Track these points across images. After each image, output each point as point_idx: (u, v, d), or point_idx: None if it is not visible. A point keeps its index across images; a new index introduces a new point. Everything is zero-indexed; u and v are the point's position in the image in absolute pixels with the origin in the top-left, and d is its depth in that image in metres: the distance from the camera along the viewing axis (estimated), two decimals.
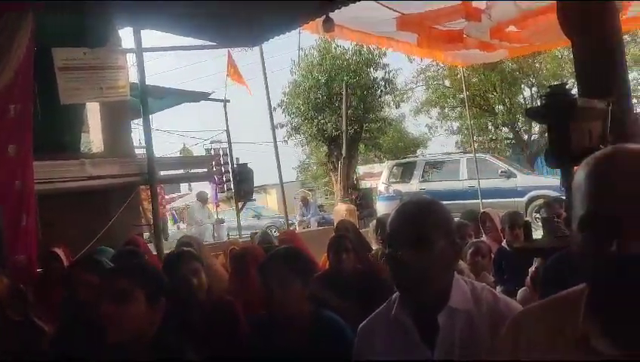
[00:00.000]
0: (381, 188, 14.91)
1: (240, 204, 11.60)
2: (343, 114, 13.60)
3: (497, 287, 3.93)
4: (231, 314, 2.70)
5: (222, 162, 11.82)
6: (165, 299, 1.83)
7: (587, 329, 0.98)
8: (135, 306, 1.73)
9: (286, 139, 18.25)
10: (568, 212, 1.08)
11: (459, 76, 13.18)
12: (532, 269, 3.19)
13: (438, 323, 1.46)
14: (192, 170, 7.99)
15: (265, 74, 7.85)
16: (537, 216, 9.92)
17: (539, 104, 2.08)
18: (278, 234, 7.34)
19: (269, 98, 7.71)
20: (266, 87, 7.74)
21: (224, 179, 12.05)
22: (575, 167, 1.64)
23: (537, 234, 3.83)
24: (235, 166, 11.38)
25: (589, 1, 2.36)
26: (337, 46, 15.97)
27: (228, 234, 12.72)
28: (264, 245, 4.22)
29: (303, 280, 2.15)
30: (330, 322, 2.13)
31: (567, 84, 2.22)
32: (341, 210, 10.30)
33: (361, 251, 3.72)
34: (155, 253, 5.19)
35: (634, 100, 17.57)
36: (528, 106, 18.13)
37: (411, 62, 19.33)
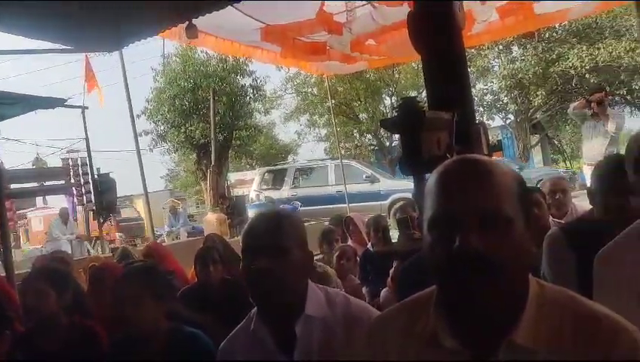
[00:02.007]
0: (252, 195, 14.89)
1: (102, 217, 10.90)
2: (211, 121, 13.38)
3: (363, 288, 4.09)
4: (90, 339, 2.52)
5: (81, 173, 11.04)
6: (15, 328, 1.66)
7: (436, 327, 1.04)
8: None
9: (151, 147, 17.57)
10: (420, 216, 1.17)
11: (325, 85, 13.61)
12: (392, 270, 3.37)
13: (296, 333, 1.47)
14: (48, 183, 7.36)
15: (126, 80, 7.49)
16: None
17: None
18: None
19: (130, 105, 7.36)
20: (127, 93, 7.38)
21: (83, 190, 11.26)
22: (427, 174, 1.76)
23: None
24: (95, 176, 10.68)
25: (435, 18, 2.53)
26: (201, 51, 15.71)
27: (88, 250, 11.95)
28: (124, 261, 4.01)
29: (159, 297, 2.07)
30: (190, 339, 2.06)
31: (417, 97, 2.38)
32: (211, 220, 10.10)
33: (230, 262, 3.67)
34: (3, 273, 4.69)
35: (481, 110, 19.35)
36: (388, 115, 19.19)
37: (279, 70, 19.61)
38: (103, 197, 10.42)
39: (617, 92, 19.32)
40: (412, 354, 1.07)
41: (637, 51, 14.55)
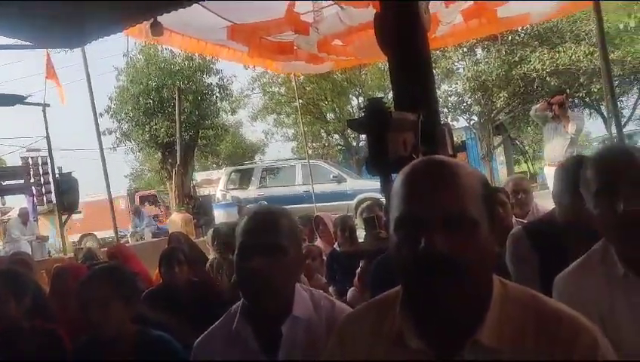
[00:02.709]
0: (219, 195, 14.76)
1: (64, 218, 10.63)
2: (177, 120, 13.19)
3: (330, 288, 4.10)
4: (53, 344, 2.45)
5: (41, 172, 10.75)
6: None
7: (402, 327, 1.05)
8: None
9: (115, 146, 17.23)
10: (387, 216, 1.17)
11: (293, 84, 13.60)
12: (358, 270, 3.40)
13: (282, 333, 1.46)
14: (6, 182, 7.13)
15: (89, 77, 7.30)
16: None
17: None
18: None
19: (93, 103, 7.18)
20: (90, 91, 7.20)
21: (44, 190, 10.97)
22: (393, 174, 1.78)
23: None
24: (56, 176, 10.40)
25: (401, 19, 2.55)
26: (165, 49, 15.47)
27: (49, 251, 11.64)
28: (88, 262, 3.93)
29: (125, 300, 2.03)
30: (157, 341, 2.03)
31: (383, 98, 2.40)
32: (177, 220, 9.96)
33: (196, 263, 3.64)
34: None
35: (446, 111, 19.62)
36: (355, 115, 19.30)
37: (246, 69, 19.47)
38: (65, 198, 10.17)
39: (576, 94, 19.85)
40: (379, 353, 1.08)
41: (595, 55, 14.96)
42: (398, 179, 1.07)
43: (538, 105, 6.95)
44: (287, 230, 1.48)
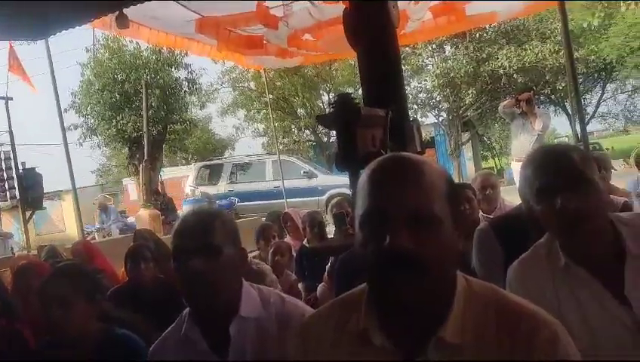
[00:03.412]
0: (188, 191, 14.59)
1: (28, 214, 10.36)
2: (144, 114, 12.92)
3: (300, 284, 4.10)
4: (18, 343, 2.39)
5: (4, 167, 10.45)
6: None
7: (367, 325, 1.05)
8: None
9: (81, 140, 16.86)
10: (354, 212, 1.18)
11: (263, 79, 13.52)
12: (328, 266, 3.41)
13: (230, 335, 1.45)
14: None
15: (52, 70, 7.07)
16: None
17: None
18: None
19: (57, 96, 6.98)
20: (54, 84, 6.99)
21: (7, 186, 10.67)
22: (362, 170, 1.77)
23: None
24: (20, 171, 10.12)
25: (370, 15, 2.55)
26: (130, 42, 15.16)
27: (12, 248, 11.33)
28: (51, 260, 3.83)
29: (89, 298, 1.99)
30: (122, 340, 2.00)
31: (352, 93, 2.40)
32: (144, 216, 9.78)
33: (163, 260, 3.58)
34: None
35: (415, 107, 19.79)
36: (326, 111, 19.30)
37: (216, 63, 19.28)
38: (29, 193, 9.93)
39: (542, 91, 20.28)
40: (344, 351, 1.07)
41: (560, 53, 15.29)
42: (363, 176, 1.06)
43: (506, 102, 7.05)
44: (220, 230, 1.47)
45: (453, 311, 1.00)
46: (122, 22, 4.66)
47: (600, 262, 1.44)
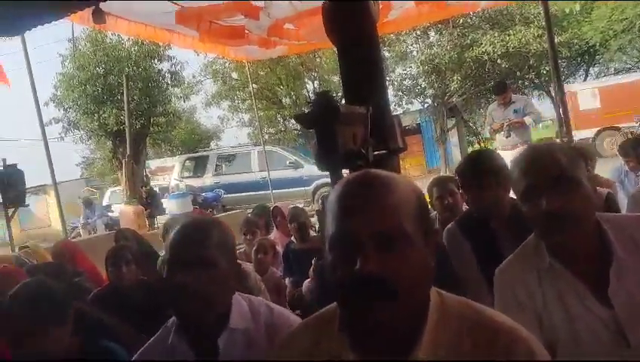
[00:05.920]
0: (173, 184, 14.48)
1: (10, 211, 10.20)
2: (125, 107, 12.76)
3: (286, 279, 4.07)
4: None
5: None
6: None
7: (340, 347, 1.03)
8: None
9: (62, 135, 16.63)
10: (323, 230, 1.18)
11: (246, 70, 13.39)
12: (314, 262, 3.38)
13: (218, 347, 1.42)
14: None
15: (29, 65, 6.94)
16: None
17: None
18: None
19: (35, 91, 6.86)
20: (31, 79, 6.87)
21: None
22: (343, 170, 1.76)
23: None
24: (0, 168, 9.96)
25: (349, 9, 2.49)
26: (112, 34, 14.94)
27: None
28: (25, 266, 3.73)
29: (59, 320, 1.85)
30: (103, 353, 1.93)
31: (330, 91, 2.36)
32: (128, 211, 9.68)
33: (146, 260, 3.52)
34: None
35: (400, 94, 19.74)
36: (312, 99, 19.18)
37: (198, 55, 19.05)
38: (10, 190, 9.78)
39: (526, 76, 20.33)
40: None
41: (544, 37, 15.29)
42: (332, 194, 1.03)
43: (493, 127, 7.08)
44: (216, 241, 1.43)
45: (427, 328, 0.99)
46: (99, 17, 4.56)
47: (585, 262, 1.45)
